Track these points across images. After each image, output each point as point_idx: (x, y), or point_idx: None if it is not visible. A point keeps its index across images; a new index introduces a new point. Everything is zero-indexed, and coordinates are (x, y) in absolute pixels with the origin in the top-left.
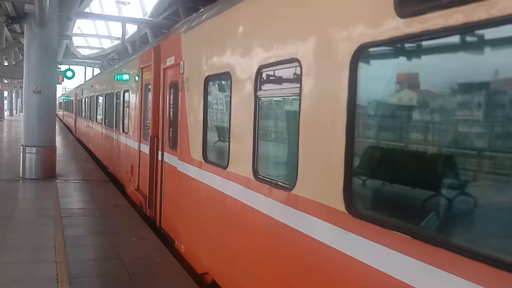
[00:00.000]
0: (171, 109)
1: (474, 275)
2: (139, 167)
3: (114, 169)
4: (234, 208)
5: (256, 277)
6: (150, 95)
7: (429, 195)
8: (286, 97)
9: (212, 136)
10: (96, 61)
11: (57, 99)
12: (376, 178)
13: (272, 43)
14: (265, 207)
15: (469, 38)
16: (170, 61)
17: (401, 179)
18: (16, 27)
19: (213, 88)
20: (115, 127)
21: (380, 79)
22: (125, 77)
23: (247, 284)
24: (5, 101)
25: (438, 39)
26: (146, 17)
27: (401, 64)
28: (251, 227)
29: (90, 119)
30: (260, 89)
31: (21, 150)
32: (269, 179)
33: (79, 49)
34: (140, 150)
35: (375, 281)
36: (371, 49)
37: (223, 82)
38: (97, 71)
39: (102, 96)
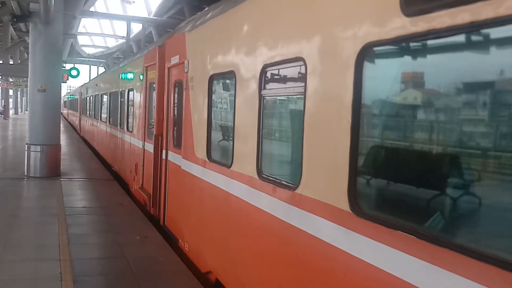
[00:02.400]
0: (175, 108)
1: (479, 275)
2: (143, 165)
3: (118, 168)
4: (238, 207)
5: (260, 276)
6: (154, 94)
7: (434, 194)
8: (290, 96)
9: (216, 135)
10: (101, 60)
11: (62, 98)
12: (380, 177)
13: (276, 42)
14: (269, 206)
15: (476, 37)
16: (175, 60)
17: (405, 179)
18: (22, 25)
19: (218, 87)
20: (120, 125)
21: (385, 78)
22: (130, 76)
23: (250, 283)
24: (10, 100)
25: (445, 38)
26: (151, 16)
27: (406, 63)
28: (255, 226)
29: (94, 117)
30: (264, 88)
31: (26, 149)
32: (273, 178)
33: (84, 48)
34: (144, 148)
35: (379, 281)
36: (376, 48)
37: (227, 81)
38: (102, 70)
39: (107, 95)
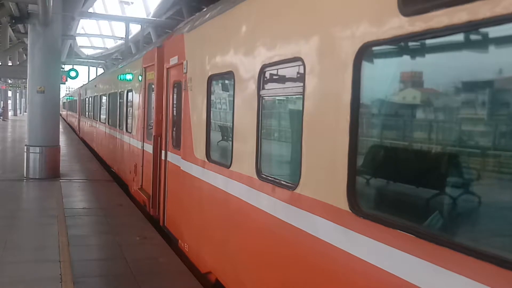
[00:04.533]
0: (174, 108)
1: (479, 274)
2: (142, 166)
3: (117, 169)
4: (237, 207)
5: (260, 276)
6: (153, 94)
7: (433, 194)
8: (289, 96)
9: (215, 135)
10: (99, 61)
11: (61, 99)
12: (379, 177)
13: (275, 42)
14: (268, 206)
15: (473, 37)
16: (173, 60)
17: (404, 178)
18: (20, 27)
19: (216, 88)
20: (119, 126)
21: (383, 78)
22: (129, 77)
23: (250, 283)
24: (9, 101)
25: (442, 38)
26: (150, 17)
27: (404, 62)
28: (254, 226)
29: (93, 119)
30: (263, 88)
31: (25, 150)
32: (272, 178)
33: (82, 49)
34: (143, 149)
35: (379, 280)
36: (374, 48)
37: (226, 82)
38: (100, 71)
39: (106, 96)
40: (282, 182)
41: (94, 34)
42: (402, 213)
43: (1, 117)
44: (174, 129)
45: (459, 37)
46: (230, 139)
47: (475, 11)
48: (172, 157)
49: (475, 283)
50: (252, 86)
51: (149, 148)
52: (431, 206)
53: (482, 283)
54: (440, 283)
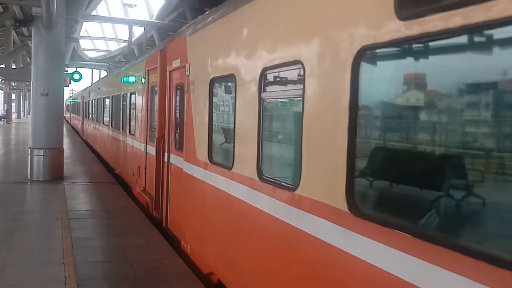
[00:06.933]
0: (177, 111)
1: (476, 273)
2: (145, 168)
3: (121, 171)
4: (238, 209)
5: (261, 277)
6: (156, 97)
7: (429, 194)
8: (289, 99)
9: (217, 138)
10: (103, 64)
11: (65, 102)
12: (377, 178)
13: (275, 46)
14: (269, 207)
15: (467, 40)
16: (176, 63)
17: (402, 179)
18: (24, 30)
19: (218, 90)
20: (122, 129)
21: (381, 81)
22: (132, 79)
23: (252, 284)
24: (13, 104)
25: (438, 41)
26: (153, 20)
27: (401, 65)
28: (255, 227)
29: (97, 121)
30: (264, 91)
31: (29, 153)
32: (273, 180)
33: (86, 52)
34: (146, 151)
35: (378, 280)
36: (372, 51)
37: (228, 84)
38: (104, 73)
39: (109, 99)
40: (283, 183)
41: (98, 37)
42: (400, 214)
43: (5, 120)
44: (177, 131)
45: (454, 41)
46: (232, 141)
47: (469, 16)
48: (175, 159)
49: (472, 282)
50: (253, 88)
51: (152, 150)
52: (427, 207)
53: (479, 282)
54: (437, 282)
